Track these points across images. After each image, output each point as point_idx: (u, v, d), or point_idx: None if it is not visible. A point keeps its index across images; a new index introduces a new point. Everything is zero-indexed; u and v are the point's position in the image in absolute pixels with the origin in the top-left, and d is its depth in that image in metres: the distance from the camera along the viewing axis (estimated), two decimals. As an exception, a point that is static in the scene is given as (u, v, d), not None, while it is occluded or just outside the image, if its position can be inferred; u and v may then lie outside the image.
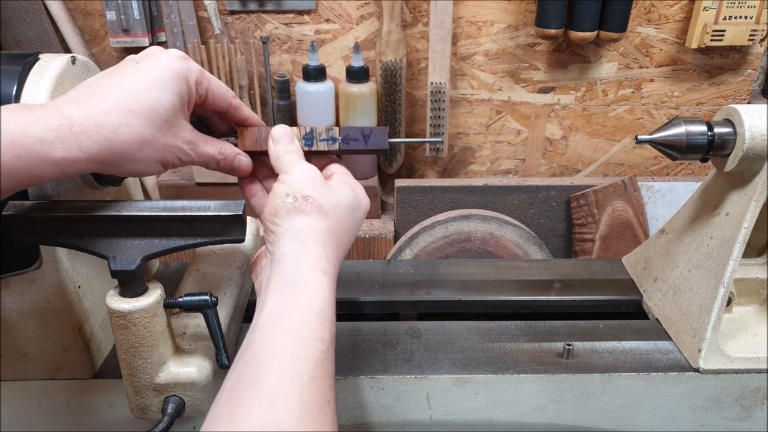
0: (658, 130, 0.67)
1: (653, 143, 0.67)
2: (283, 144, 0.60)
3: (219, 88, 0.59)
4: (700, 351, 0.69)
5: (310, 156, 0.63)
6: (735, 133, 0.64)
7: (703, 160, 0.67)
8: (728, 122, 0.65)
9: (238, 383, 0.46)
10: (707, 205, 0.73)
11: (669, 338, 0.75)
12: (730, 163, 0.65)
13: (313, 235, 0.54)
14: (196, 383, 0.60)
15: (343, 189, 0.58)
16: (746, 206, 0.66)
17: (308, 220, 0.54)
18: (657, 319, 0.78)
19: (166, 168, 0.56)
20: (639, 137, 0.67)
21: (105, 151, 0.49)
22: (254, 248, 0.85)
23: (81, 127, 0.48)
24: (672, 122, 0.66)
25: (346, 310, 0.83)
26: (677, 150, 0.66)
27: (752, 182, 0.66)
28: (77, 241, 0.54)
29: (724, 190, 0.70)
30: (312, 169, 0.58)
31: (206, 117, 0.62)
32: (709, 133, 0.65)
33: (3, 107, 0.47)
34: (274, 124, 0.62)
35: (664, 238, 0.80)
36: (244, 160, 0.62)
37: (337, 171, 0.62)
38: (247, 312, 0.79)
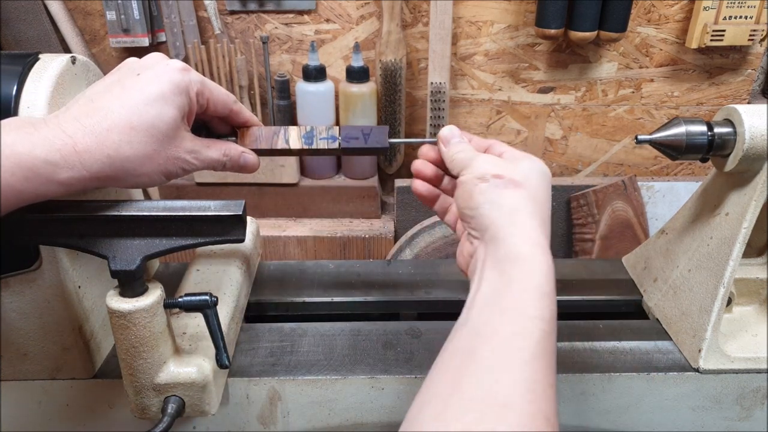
0: (658, 130, 0.67)
1: (653, 143, 0.67)
2: (454, 144, 0.60)
3: (220, 96, 0.59)
4: (700, 351, 0.69)
5: (312, 154, 0.63)
6: (735, 133, 0.64)
7: (703, 160, 0.67)
8: (728, 122, 0.65)
9: (455, 355, 0.45)
10: (707, 205, 0.73)
11: (669, 338, 0.75)
12: (730, 163, 0.65)
13: (516, 207, 0.51)
14: (196, 383, 0.60)
15: (523, 161, 0.55)
16: (746, 206, 0.66)
17: (507, 194, 0.51)
18: (657, 319, 0.78)
19: (170, 179, 0.55)
20: (639, 137, 0.67)
21: (108, 168, 0.49)
22: (254, 248, 0.85)
23: (84, 146, 0.48)
24: (672, 122, 0.66)
25: (346, 310, 0.83)
26: (677, 150, 0.66)
27: (752, 182, 0.66)
28: (77, 241, 0.54)
29: (724, 190, 0.70)
30: (490, 156, 0.57)
31: (206, 120, 0.62)
32: (709, 133, 0.65)
33: (5, 124, 0.47)
34: (274, 124, 0.62)
35: (664, 238, 0.80)
36: (250, 157, 0.62)
37: (505, 149, 0.59)
38: (247, 312, 0.79)
